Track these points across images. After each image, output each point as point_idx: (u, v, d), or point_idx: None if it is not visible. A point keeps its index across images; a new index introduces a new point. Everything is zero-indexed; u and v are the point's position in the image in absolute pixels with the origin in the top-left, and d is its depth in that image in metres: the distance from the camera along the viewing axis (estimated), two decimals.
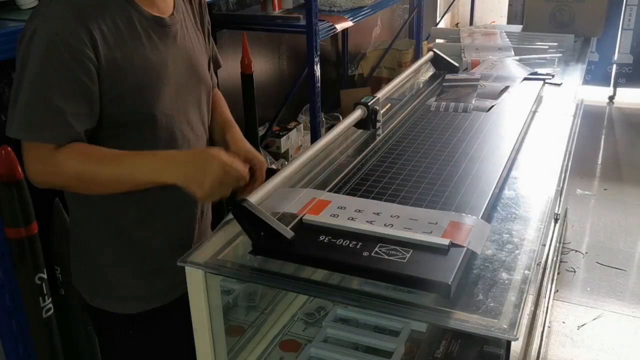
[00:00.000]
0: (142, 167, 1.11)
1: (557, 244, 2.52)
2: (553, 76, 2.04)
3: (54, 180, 1.11)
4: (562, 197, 2.22)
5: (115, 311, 1.29)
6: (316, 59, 2.54)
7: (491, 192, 1.19)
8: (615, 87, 4.95)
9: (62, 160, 1.08)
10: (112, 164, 1.11)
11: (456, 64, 2.13)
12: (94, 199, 1.20)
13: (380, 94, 1.63)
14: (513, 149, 1.43)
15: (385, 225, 1.04)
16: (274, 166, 2.92)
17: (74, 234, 1.31)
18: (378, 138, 1.52)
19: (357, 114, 1.48)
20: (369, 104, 1.49)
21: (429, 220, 1.05)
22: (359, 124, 1.50)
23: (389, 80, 2.08)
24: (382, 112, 1.69)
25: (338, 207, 1.12)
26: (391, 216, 1.08)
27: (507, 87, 1.88)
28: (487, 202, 1.15)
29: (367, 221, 1.06)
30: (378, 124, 1.53)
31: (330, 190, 1.22)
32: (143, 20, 1.18)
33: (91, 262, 1.28)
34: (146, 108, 1.17)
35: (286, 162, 2.98)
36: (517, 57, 2.27)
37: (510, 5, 4.87)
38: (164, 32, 1.21)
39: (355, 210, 1.11)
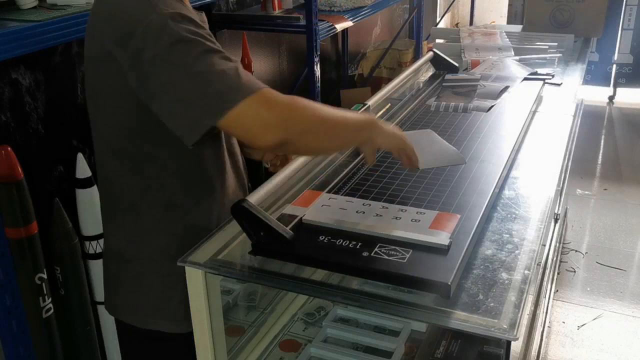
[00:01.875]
0: (356, 118, 1.10)
1: (557, 244, 2.52)
2: (553, 76, 2.04)
3: (299, 120, 0.99)
4: (562, 197, 2.22)
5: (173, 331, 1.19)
6: (316, 59, 2.53)
7: (491, 192, 1.19)
8: (615, 87, 4.95)
9: (289, 99, 0.99)
10: (331, 108, 1.06)
11: (456, 64, 2.12)
12: (146, 231, 1.14)
13: (376, 98, 1.63)
14: (513, 149, 1.43)
15: (375, 215, 1.04)
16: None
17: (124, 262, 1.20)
18: None
19: None
20: (359, 112, 1.42)
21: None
22: None
23: (389, 80, 2.08)
24: (381, 113, 1.69)
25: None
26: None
27: (507, 87, 1.88)
28: (487, 202, 1.15)
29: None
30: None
31: (329, 191, 1.22)
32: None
33: (144, 287, 1.19)
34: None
35: None
36: (517, 57, 2.27)
37: (510, 5, 4.87)
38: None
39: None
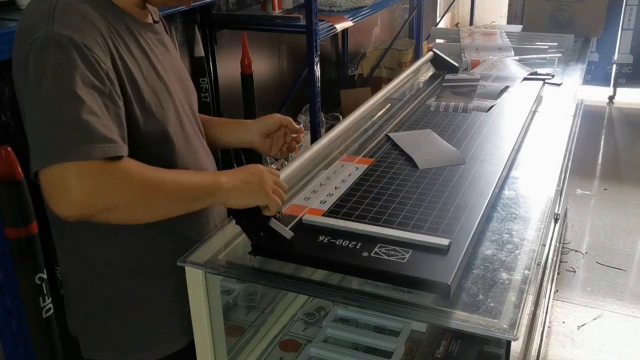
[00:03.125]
0: (204, 177, 1.01)
1: (557, 244, 2.52)
2: (553, 76, 2.04)
3: (108, 197, 0.88)
4: (562, 197, 2.22)
5: None
6: (316, 59, 2.54)
7: (491, 192, 1.19)
8: (615, 87, 4.95)
9: (124, 170, 0.90)
10: (173, 173, 0.99)
11: (456, 64, 2.13)
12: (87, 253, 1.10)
13: (376, 98, 1.63)
14: (513, 149, 1.43)
15: None
16: (273, 166, 2.92)
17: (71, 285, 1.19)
18: (378, 138, 1.52)
19: None
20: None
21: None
22: (241, 225, 1.09)
23: (389, 80, 2.09)
24: (381, 112, 1.69)
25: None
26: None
27: (507, 87, 1.88)
28: (487, 202, 1.15)
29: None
30: (278, 215, 1.11)
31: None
32: (141, 30, 1.07)
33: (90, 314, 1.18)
34: (159, 126, 1.05)
35: (286, 162, 2.98)
36: (517, 57, 2.27)
37: (510, 5, 4.87)
38: (159, 40, 1.12)
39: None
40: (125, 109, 0.96)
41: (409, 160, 1.36)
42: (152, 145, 1.04)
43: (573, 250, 2.97)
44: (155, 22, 1.15)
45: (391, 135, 1.49)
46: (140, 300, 1.13)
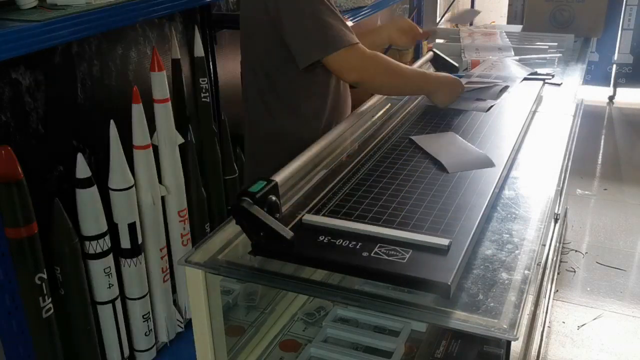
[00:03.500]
0: (426, 81, 1.65)
1: (557, 244, 2.52)
2: (553, 76, 2.04)
3: (372, 69, 1.51)
4: (562, 197, 2.22)
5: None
6: None
7: (491, 192, 1.19)
8: (615, 87, 4.94)
9: (375, 55, 1.51)
10: (407, 68, 1.61)
11: (456, 64, 2.12)
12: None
13: (376, 98, 1.64)
14: (513, 149, 1.43)
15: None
16: None
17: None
18: (377, 139, 1.52)
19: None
20: (257, 195, 1.06)
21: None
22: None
23: None
24: (381, 113, 1.69)
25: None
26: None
27: (506, 87, 1.88)
28: (487, 202, 1.15)
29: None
30: (278, 215, 1.11)
31: (330, 190, 1.22)
32: None
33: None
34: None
35: None
36: (517, 57, 2.27)
37: (510, 5, 4.87)
38: None
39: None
40: None
41: (409, 159, 1.36)
42: None
43: (573, 250, 2.97)
44: None
45: (414, 138, 1.48)
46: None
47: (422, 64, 2.11)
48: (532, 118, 1.71)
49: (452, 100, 1.68)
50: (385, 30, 1.85)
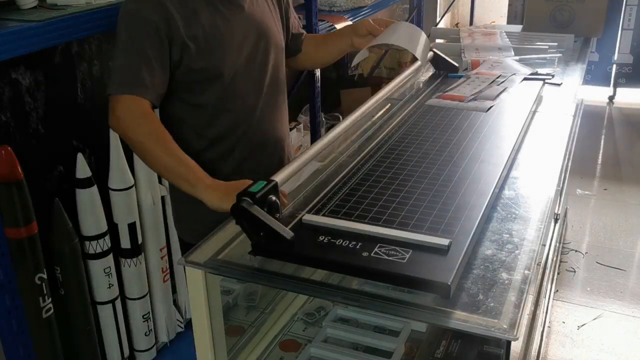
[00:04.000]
0: (186, 176, 1.25)
1: (557, 244, 2.52)
2: (553, 76, 2.04)
3: (128, 133, 1.28)
4: (562, 197, 2.22)
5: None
6: None
7: (491, 192, 1.19)
8: (615, 87, 4.94)
9: (141, 123, 1.27)
10: (169, 154, 1.26)
11: (456, 64, 2.12)
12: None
13: (376, 98, 1.63)
14: (513, 149, 1.43)
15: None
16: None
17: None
18: (378, 138, 1.52)
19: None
20: (257, 195, 1.06)
21: None
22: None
23: (389, 80, 2.08)
24: (381, 112, 1.69)
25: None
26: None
27: (506, 88, 1.88)
28: (487, 202, 1.15)
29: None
30: (278, 215, 1.10)
31: (330, 190, 1.22)
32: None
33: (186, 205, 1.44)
34: (214, 69, 1.37)
35: None
36: (517, 57, 2.27)
37: (510, 5, 4.86)
38: (232, 3, 1.40)
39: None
40: (180, 50, 1.33)
41: (409, 159, 1.36)
42: (203, 82, 1.38)
43: (573, 250, 2.97)
44: None
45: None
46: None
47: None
48: (532, 118, 1.71)
49: (223, 205, 1.15)
50: (346, 37, 1.62)
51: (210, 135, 1.43)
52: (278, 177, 1.16)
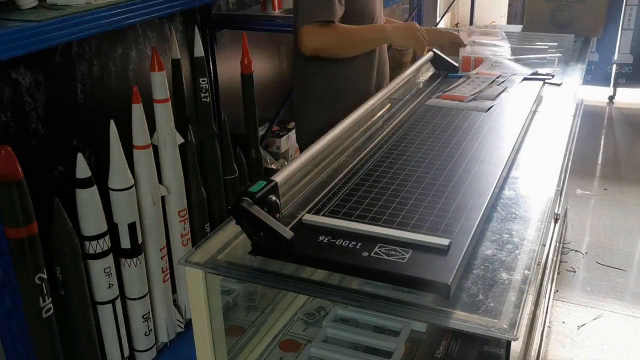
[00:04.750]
0: (380, 33, 1.89)
1: (557, 244, 2.52)
2: (553, 76, 2.04)
3: (329, 41, 1.78)
4: (562, 197, 2.22)
5: None
6: None
7: (491, 192, 1.19)
8: (615, 87, 4.94)
9: (336, 28, 1.77)
10: (362, 29, 1.85)
11: (456, 64, 2.12)
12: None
13: (376, 98, 1.64)
14: (513, 149, 1.43)
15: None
16: (273, 166, 2.92)
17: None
18: (378, 138, 1.52)
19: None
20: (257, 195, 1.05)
21: None
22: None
23: (389, 80, 2.08)
24: (381, 112, 1.69)
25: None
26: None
27: (506, 88, 1.88)
28: (487, 202, 1.15)
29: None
30: (277, 215, 1.10)
31: (330, 190, 1.22)
32: None
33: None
34: (366, 10, 1.91)
35: (286, 162, 2.98)
36: (517, 57, 2.27)
37: (510, 5, 4.87)
38: None
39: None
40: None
41: (409, 159, 1.36)
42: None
43: (573, 250, 2.97)
44: None
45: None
46: None
47: (422, 64, 2.11)
48: (532, 118, 1.71)
49: (412, 40, 1.85)
50: (438, 40, 2.19)
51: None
52: (278, 177, 1.16)
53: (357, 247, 0.99)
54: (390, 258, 0.95)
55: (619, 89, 4.94)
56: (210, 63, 2.51)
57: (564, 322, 2.47)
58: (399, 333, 1.39)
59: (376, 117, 1.71)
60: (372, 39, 1.89)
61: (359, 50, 1.88)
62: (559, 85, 2.01)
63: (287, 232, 1.01)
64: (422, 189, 1.21)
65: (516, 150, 1.46)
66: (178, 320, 2.21)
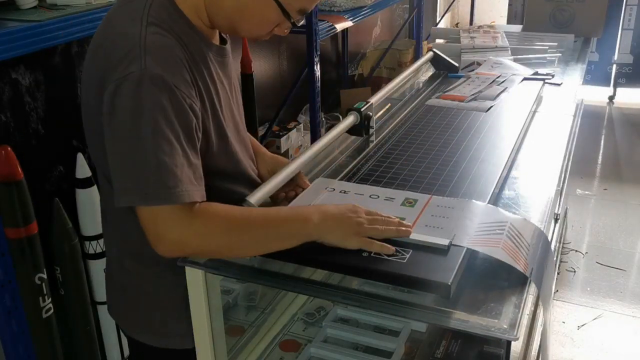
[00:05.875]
0: (292, 210, 1.05)
1: (557, 244, 2.52)
2: (553, 76, 2.04)
3: (201, 243, 0.96)
4: (562, 197, 2.21)
5: (158, 345, 1.18)
6: (316, 59, 2.54)
7: (491, 192, 1.19)
8: (615, 87, 4.95)
9: (211, 212, 0.96)
10: (260, 214, 1.00)
11: (456, 64, 2.13)
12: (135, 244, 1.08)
13: (376, 97, 1.63)
14: (513, 149, 1.43)
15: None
16: None
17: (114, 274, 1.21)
18: (378, 138, 1.52)
19: (350, 120, 1.47)
20: (362, 110, 1.48)
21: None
22: (352, 131, 1.48)
23: (389, 80, 2.08)
24: (381, 112, 1.69)
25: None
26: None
27: (506, 88, 1.88)
28: (487, 202, 1.15)
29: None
30: (371, 130, 1.52)
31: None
32: (210, 52, 1.08)
33: (133, 301, 1.18)
34: (226, 146, 1.10)
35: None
36: (517, 57, 2.27)
37: (510, 5, 4.87)
38: (223, 63, 1.13)
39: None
40: (204, 134, 1.02)
41: (409, 160, 1.36)
42: (218, 164, 1.09)
43: (573, 250, 2.97)
44: (222, 43, 1.15)
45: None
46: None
47: (422, 64, 2.11)
48: (532, 118, 1.71)
49: (349, 238, 0.98)
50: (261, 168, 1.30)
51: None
52: (278, 177, 1.16)
53: None
54: (390, 258, 0.95)
55: (619, 89, 4.94)
56: None
57: (564, 322, 2.47)
58: (399, 333, 1.39)
59: (376, 117, 1.71)
60: (283, 233, 0.99)
61: (256, 248, 1.00)
62: (559, 85, 2.01)
63: None
64: (422, 189, 1.21)
65: (516, 150, 1.46)
66: None
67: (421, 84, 2.06)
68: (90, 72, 1.02)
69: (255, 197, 1.08)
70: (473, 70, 2.13)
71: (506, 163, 1.35)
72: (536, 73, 2.06)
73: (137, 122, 0.92)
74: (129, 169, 0.93)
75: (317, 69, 2.57)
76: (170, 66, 0.96)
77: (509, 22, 4.87)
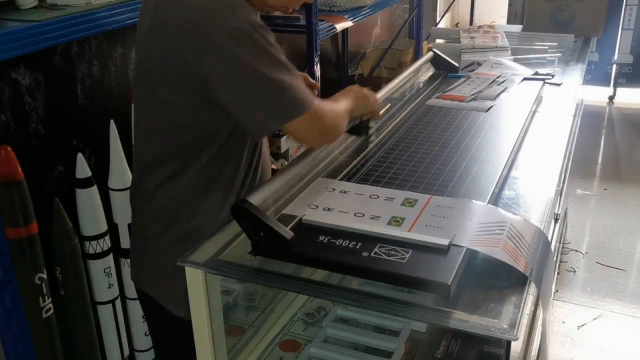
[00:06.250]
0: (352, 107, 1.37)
1: (557, 244, 2.52)
2: (553, 76, 2.04)
3: (332, 132, 1.27)
4: (562, 197, 2.22)
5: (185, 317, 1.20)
6: (316, 59, 2.53)
7: (491, 192, 1.19)
8: (615, 87, 4.95)
9: (324, 111, 1.23)
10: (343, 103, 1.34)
11: (456, 64, 2.12)
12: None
13: (379, 95, 1.63)
14: (513, 149, 1.43)
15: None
16: (274, 166, 2.91)
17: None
18: (378, 138, 1.52)
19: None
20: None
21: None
22: (352, 131, 1.49)
23: (389, 80, 2.08)
24: (381, 112, 1.68)
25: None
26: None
27: (506, 88, 1.88)
28: (487, 202, 1.15)
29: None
30: (371, 130, 1.53)
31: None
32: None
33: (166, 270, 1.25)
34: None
35: (286, 162, 2.98)
36: (517, 57, 2.27)
37: (510, 5, 4.87)
38: None
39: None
40: None
41: (409, 160, 1.36)
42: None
43: (573, 250, 2.97)
44: None
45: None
46: None
47: (422, 64, 2.11)
48: (532, 118, 1.71)
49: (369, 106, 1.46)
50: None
51: None
52: (278, 178, 1.16)
53: (357, 247, 0.99)
54: (390, 258, 0.95)
55: (619, 89, 4.94)
56: None
57: (564, 322, 2.47)
58: (399, 333, 1.39)
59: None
60: (357, 112, 1.43)
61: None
62: (559, 85, 2.01)
63: (286, 232, 1.01)
64: (422, 189, 1.21)
65: (516, 150, 1.46)
66: None
67: (421, 84, 2.06)
68: (186, 36, 1.13)
69: (256, 197, 1.09)
70: (473, 70, 2.14)
71: (506, 163, 1.35)
72: (536, 73, 2.06)
73: (258, 59, 1.11)
74: (264, 100, 1.13)
75: (317, 69, 2.56)
76: (257, 19, 1.16)
77: (509, 22, 4.88)
